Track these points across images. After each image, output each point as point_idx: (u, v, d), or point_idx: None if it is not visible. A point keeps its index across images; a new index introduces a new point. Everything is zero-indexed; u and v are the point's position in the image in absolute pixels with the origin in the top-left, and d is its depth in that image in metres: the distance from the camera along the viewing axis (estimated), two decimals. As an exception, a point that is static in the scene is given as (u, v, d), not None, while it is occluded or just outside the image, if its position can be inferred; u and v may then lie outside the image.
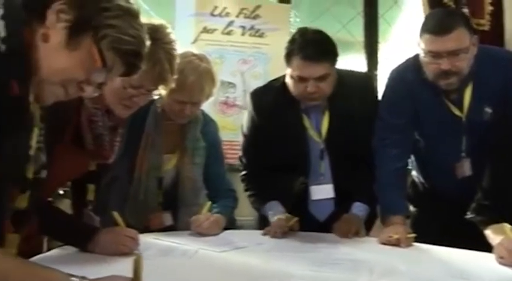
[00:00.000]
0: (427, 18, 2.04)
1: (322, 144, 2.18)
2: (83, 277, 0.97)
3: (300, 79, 2.06)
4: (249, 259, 1.66)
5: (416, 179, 2.37)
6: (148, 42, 1.16)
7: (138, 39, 1.10)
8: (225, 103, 3.48)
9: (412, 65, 2.10)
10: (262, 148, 2.23)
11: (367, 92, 2.25)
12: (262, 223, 2.23)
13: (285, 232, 2.02)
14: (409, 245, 1.86)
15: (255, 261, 1.63)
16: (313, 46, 2.03)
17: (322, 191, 2.19)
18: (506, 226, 1.69)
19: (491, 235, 1.74)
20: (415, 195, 2.33)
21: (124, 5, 1.07)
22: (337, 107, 2.16)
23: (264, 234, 2.06)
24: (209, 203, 2.11)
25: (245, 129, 2.32)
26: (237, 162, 2.45)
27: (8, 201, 1.05)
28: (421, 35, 1.98)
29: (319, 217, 2.19)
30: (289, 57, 2.08)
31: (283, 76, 2.21)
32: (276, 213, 2.13)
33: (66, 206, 1.88)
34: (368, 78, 2.35)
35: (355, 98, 2.17)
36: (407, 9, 3.87)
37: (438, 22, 1.94)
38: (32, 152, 1.08)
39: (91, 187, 1.76)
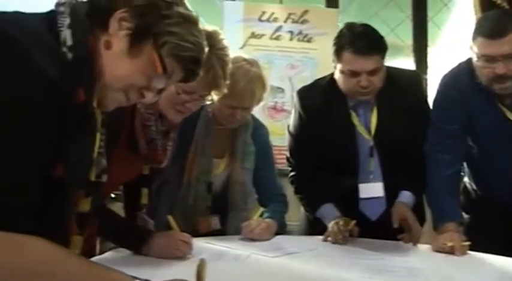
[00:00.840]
0: (480, 21, 2.00)
1: (371, 141, 2.14)
2: (147, 280, 0.98)
3: (352, 74, 2.04)
4: (302, 265, 1.66)
5: (468, 186, 2.32)
6: (206, 49, 1.18)
7: (197, 46, 1.11)
8: (274, 108, 3.50)
9: (465, 70, 2.06)
10: (311, 146, 2.21)
11: (416, 89, 2.21)
12: (312, 227, 2.22)
13: (346, 237, 2.00)
14: (463, 253, 1.83)
15: (308, 267, 1.63)
16: (363, 39, 2.01)
17: (372, 190, 2.15)
18: None
19: None
20: (468, 202, 2.28)
21: (184, 12, 1.10)
22: (386, 103, 2.14)
23: (324, 240, 2.04)
24: (261, 209, 2.12)
25: (292, 128, 2.30)
26: (286, 167, 2.45)
27: (73, 204, 1.09)
28: (474, 39, 1.95)
29: (371, 216, 2.14)
30: (339, 52, 2.06)
31: (329, 75, 2.20)
32: (333, 217, 2.10)
33: (118, 209, 1.91)
34: (417, 76, 2.29)
35: (404, 94, 2.14)
36: (457, 11, 3.80)
37: (492, 25, 1.90)
38: (94, 156, 1.12)
39: (145, 191, 1.78)
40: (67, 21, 0.97)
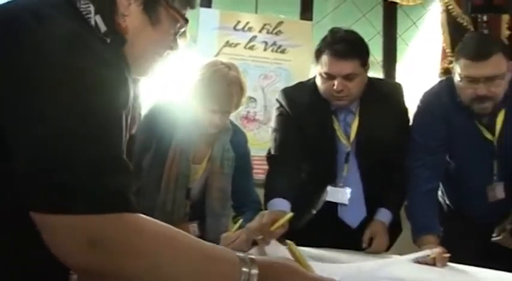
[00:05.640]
0: (464, 42, 2.09)
1: (348, 147, 2.17)
2: (252, 258, 0.90)
3: (328, 76, 2.07)
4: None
5: (441, 200, 2.40)
6: None
7: None
8: (246, 117, 3.52)
9: (446, 88, 2.15)
10: (294, 144, 2.18)
11: (397, 101, 2.25)
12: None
13: (267, 236, 1.77)
14: (444, 264, 1.89)
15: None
16: (342, 43, 2.05)
17: (338, 194, 2.16)
18: None
19: None
20: (440, 216, 2.36)
21: None
22: (368, 112, 2.17)
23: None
24: (240, 220, 2.09)
25: (276, 126, 2.25)
26: (259, 177, 2.42)
27: None
28: (457, 60, 2.03)
29: (351, 223, 2.17)
30: (318, 54, 2.10)
31: (313, 78, 2.22)
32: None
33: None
34: (399, 87, 2.31)
35: (386, 105, 2.18)
36: (424, 29, 3.93)
37: (476, 48, 1.98)
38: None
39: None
40: (93, 8, 0.95)
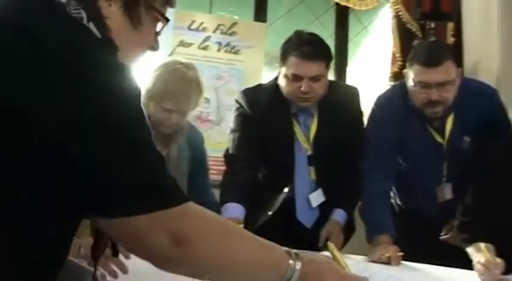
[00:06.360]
0: (417, 49, 2.17)
1: (309, 150, 2.21)
2: (296, 253, 0.97)
3: (294, 78, 2.10)
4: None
5: (392, 201, 2.47)
6: None
7: None
8: (199, 118, 3.50)
9: (399, 92, 2.22)
10: (253, 145, 2.19)
11: (354, 104, 2.30)
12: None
13: None
14: (398, 263, 1.96)
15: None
16: (309, 45, 2.09)
17: (318, 197, 2.22)
18: (482, 244, 1.82)
19: (472, 252, 1.85)
20: (392, 216, 2.43)
21: None
22: (326, 113, 2.21)
23: None
24: None
25: (235, 126, 2.26)
26: (213, 177, 2.41)
27: None
28: (410, 65, 2.11)
29: (307, 223, 2.21)
30: (284, 56, 2.12)
31: (273, 80, 2.25)
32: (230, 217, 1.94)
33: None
34: (355, 91, 2.36)
35: (343, 107, 2.23)
36: (375, 34, 4.03)
37: (428, 54, 2.06)
38: None
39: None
40: (84, 15, 0.92)
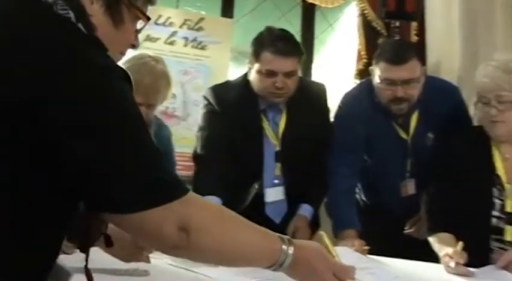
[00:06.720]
0: (383, 47, 2.21)
1: (278, 146, 2.22)
2: (289, 238, 1.02)
3: (268, 74, 2.10)
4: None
5: (357, 196, 2.51)
6: None
7: None
8: (165, 113, 3.47)
9: (365, 90, 2.26)
10: (221, 143, 2.19)
11: (322, 100, 2.32)
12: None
13: None
14: (365, 256, 1.98)
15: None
16: (283, 41, 2.10)
17: (275, 194, 2.23)
18: (447, 235, 1.88)
19: (437, 244, 1.90)
20: (357, 211, 2.47)
21: None
22: (295, 110, 2.22)
23: None
24: None
25: (203, 123, 2.25)
26: (179, 173, 2.39)
27: None
28: (377, 63, 2.15)
29: (275, 218, 2.22)
30: (258, 52, 2.12)
31: (242, 76, 2.25)
32: None
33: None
34: (323, 88, 2.36)
35: (312, 104, 2.25)
36: (341, 32, 4.07)
37: (394, 52, 2.11)
38: None
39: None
40: (72, 14, 0.92)
